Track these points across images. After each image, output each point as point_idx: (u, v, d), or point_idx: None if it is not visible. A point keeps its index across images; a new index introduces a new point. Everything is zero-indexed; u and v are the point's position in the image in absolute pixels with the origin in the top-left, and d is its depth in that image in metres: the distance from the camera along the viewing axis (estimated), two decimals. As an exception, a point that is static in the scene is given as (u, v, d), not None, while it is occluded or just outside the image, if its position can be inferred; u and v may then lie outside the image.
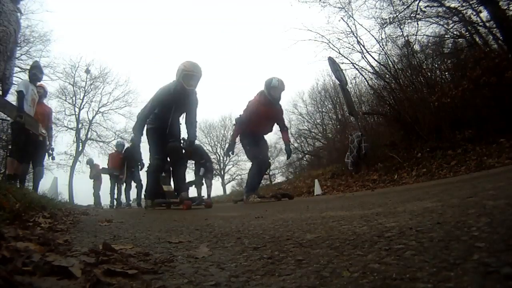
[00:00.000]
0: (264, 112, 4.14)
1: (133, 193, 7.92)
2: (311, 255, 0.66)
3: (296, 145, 15.39)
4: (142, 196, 7.03)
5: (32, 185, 4.40)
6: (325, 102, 14.35)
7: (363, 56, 6.84)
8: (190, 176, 7.45)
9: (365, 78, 7.30)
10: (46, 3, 19.29)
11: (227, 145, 4.66)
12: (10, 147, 4.41)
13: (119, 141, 9.57)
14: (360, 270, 0.50)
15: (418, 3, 6.21)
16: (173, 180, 3.78)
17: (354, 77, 7.96)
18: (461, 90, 4.77)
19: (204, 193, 7.28)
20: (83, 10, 39.28)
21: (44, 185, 5.23)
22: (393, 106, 6.31)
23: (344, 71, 6.41)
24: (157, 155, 3.72)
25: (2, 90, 2.62)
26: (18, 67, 10.99)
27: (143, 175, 7.72)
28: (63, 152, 16.24)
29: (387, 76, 6.63)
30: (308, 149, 15.13)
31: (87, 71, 16.88)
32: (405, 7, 6.38)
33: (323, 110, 14.60)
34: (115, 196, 7.98)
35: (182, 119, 3.78)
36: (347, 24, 6.89)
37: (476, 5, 5.55)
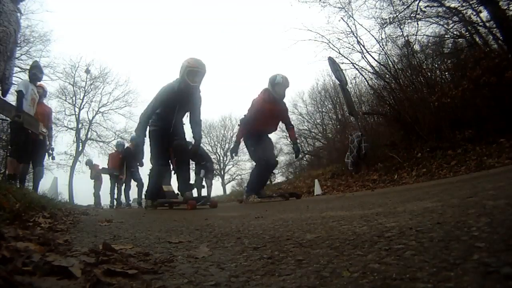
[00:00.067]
0: (269, 110, 4.10)
1: (133, 193, 7.93)
2: (311, 255, 0.66)
3: (296, 145, 15.37)
4: (143, 196, 7.03)
5: (32, 185, 4.40)
6: (325, 102, 14.36)
7: (363, 56, 6.85)
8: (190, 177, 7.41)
9: (365, 78, 7.30)
10: (46, 3, 19.38)
11: (231, 145, 4.63)
12: (10, 147, 4.40)
13: (119, 141, 9.58)
14: (360, 270, 0.50)
15: (418, 3, 6.21)
16: (177, 179, 3.69)
17: (354, 77, 7.96)
18: (461, 90, 4.77)
19: (204, 193, 7.27)
20: (83, 10, 39.34)
21: (44, 185, 5.24)
22: (393, 106, 6.31)
23: (344, 71, 6.41)
24: (160, 160, 3.65)
25: (1, 90, 2.62)
26: (18, 67, 11.02)
27: (143, 174, 7.73)
28: (63, 152, 16.30)
29: (387, 76, 6.63)
30: (308, 149, 15.12)
31: (87, 71, 16.91)
32: (405, 7, 6.38)
33: (323, 110, 14.61)
34: (115, 196, 7.98)
35: (186, 119, 3.73)
36: (347, 24, 6.89)
37: (476, 5, 5.55)
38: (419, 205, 1.22)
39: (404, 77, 6.45)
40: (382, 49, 6.82)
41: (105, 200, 9.10)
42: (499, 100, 4.47)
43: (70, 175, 15.97)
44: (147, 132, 3.58)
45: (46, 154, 4.43)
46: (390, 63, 6.68)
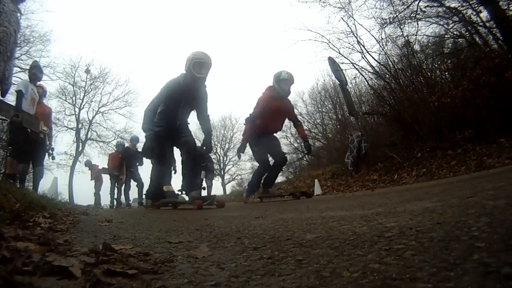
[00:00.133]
0: (275, 107, 4.05)
1: (133, 193, 7.94)
2: (311, 255, 0.66)
3: (296, 145, 15.40)
4: (143, 196, 7.03)
5: (32, 185, 4.40)
6: (325, 102, 14.34)
7: (363, 56, 6.85)
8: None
9: (365, 78, 7.31)
10: (46, 3, 19.35)
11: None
12: (9, 147, 4.40)
13: (119, 141, 9.59)
14: (360, 270, 0.50)
15: (418, 3, 6.21)
16: (183, 178, 3.54)
17: (354, 77, 7.97)
18: (461, 90, 4.77)
19: (204, 193, 7.26)
20: (83, 10, 39.35)
21: (44, 185, 5.24)
22: (393, 106, 6.31)
23: (344, 71, 6.42)
24: (162, 161, 3.56)
25: (1, 90, 2.62)
26: (18, 67, 11.02)
27: (142, 174, 7.72)
28: (63, 152, 16.32)
29: (387, 76, 6.63)
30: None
31: (87, 71, 16.93)
32: (405, 7, 6.39)
33: (323, 110, 14.59)
34: (115, 196, 7.99)
35: (190, 119, 3.64)
36: (347, 24, 6.90)
37: (476, 5, 5.55)
38: (419, 205, 1.22)
39: (404, 77, 6.45)
40: (382, 49, 6.83)
41: (105, 200, 9.12)
42: (499, 100, 4.48)
43: (70, 175, 16.01)
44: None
45: (46, 154, 4.43)
46: (390, 63, 6.69)
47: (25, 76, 6.83)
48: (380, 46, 6.80)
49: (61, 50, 32.64)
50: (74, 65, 16.64)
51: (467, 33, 5.97)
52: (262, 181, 4.20)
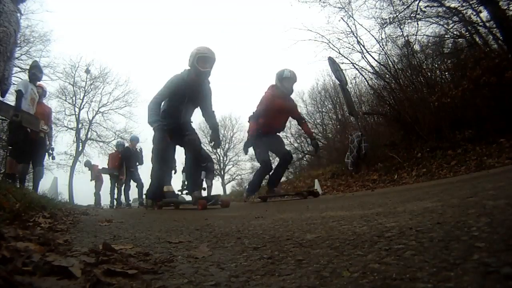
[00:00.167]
0: (279, 105, 4.02)
1: (133, 193, 7.94)
2: (311, 255, 0.66)
3: (296, 145, 15.39)
4: (143, 196, 7.02)
5: (32, 185, 4.40)
6: (325, 102, 14.35)
7: (363, 56, 6.85)
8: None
9: (365, 78, 7.31)
10: (46, 3, 19.32)
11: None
12: (9, 147, 4.41)
13: (119, 141, 9.59)
14: (360, 270, 0.50)
15: (418, 3, 6.21)
16: (187, 178, 3.47)
17: (354, 77, 7.96)
18: (461, 90, 4.77)
19: (204, 194, 7.25)
20: (83, 10, 39.36)
21: (44, 185, 5.24)
22: (393, 106, 6.31)
23: (344, 71, 6.42)
24: (163, 161, 3.50)
25: (0, 90, 2.62)
26: (18, 67, 11.03)
27: (142, 174, 7.72)
28: (63, 152, 16.32)
29: (387, 76, 6.63)
30: (308, 149, 15.12)
31: (87, 71, 16.93)
32: (405, 7, 6.38)
33: (323, 110, 14.59)
34: (115, 196, 7.99)
35: (193, 117, 3.58)
36: (347, 24, 6.89)
37: (476, 5, 5.55)
38: (419, 205, 1.22)
39: (404, 77, 6.45)
40: (382, 49, 6.83)
41: (105, 200, 9.11)
42: (499, 100, 4.47)
43: (70, 175, 16.00)
44: (152, 132, 3.37)
45: (46, 154, 4.43)
46: (390, 63, 6.69)
47: (25, 76, 6.84)
48: (380, 46, 6.81)
49: (61, 50, 32.66)
50: (74, 65, 16.67)
51: (467, 33, 5.97)
52: (267, 180, 4.18)
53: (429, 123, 5.33)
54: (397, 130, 6.40)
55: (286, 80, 4.00)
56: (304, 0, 7.31)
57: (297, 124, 4.91)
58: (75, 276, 0.53)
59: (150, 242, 1.00)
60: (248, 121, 4.28)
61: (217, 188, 21.99)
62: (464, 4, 5.78)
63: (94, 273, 0.53)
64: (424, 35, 6.75)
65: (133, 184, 7.62)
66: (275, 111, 4.00)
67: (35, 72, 4.04)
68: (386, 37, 6.78)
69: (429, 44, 6.82)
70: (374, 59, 6.88)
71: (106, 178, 9.02)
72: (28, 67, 5.08)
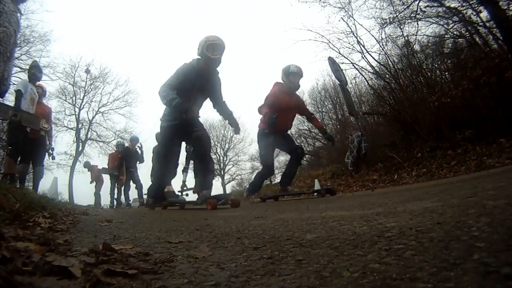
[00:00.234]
0: (287, 101, 3.92)
1: (133, 193, 7.94)
2: (311, 255, 0.66)
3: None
4: (143, 196, 7.02)
5: (32, 185, 4.40)
6: (325, 102, 14.34)
7: (363, 56, 6.86)
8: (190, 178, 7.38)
9: (365, 78, 7.31)
10: (46, 3, 19.30)
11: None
12: (8, 147, 4.41)
13: (119, 141, 9.59)
14: (360, 270, 0.50)
15: (418, 3, 6.22)
16: (195, 176, 3.31)
17: (354, 77, 7.97)
18: (461, 90, 4.77)
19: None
20: (83, 10, 39.37)
21: (44, 185, 5.22)
22: (393, 106, 6.32)
23: (344, 71, 6.42)
24: (169, 164, 3.41)
25: (0, 91, 2.62)
26: (18, 67, 11.04)
27: (142, 174, 7.72)
28: (63, 152, 16.34)
29: (387, 76, 6.64)
30: (308, 149, 15.12)
31: (87, 71, 16.94)
32: (405, 7, 6.39)
33: (323, 110, 14.58)
34: (115, 196, 7.99)
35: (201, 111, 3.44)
36: (347, 24, 6.90)
37: (476, 5, 5.55)
38: (419, 205, 1.22)
39: (404, 77, 6.45)
40: (382, 49, 6.83)
41: (105, 200, 9.11)
42: (499, 100, 4.47)
43: (70, 175, 16.01)
44: (155, 129, 3.31)
45: (46, 154, 4.43)
46: (390, 63, 6.69)
47: (25, 76, 6.82)
48: (380, 46, 6.81)
49: (61, 50, 32.65)
50: (74, 65, 16.68)
51: (467, 33, 5.97)
52: (280, 179, 4.11)
53: (429, 123, 5.33)
54: (397, 130, 6.41)
55: (292, 75, 3.92)
56: (304, 0, 7.32)
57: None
58: (75, 276, 0.53)
59: (150, 242, 1.00)
60: (259, 112, 4.12)
61: (217, 188, 22.02)
62: (464, 4, 5.79)
63: (94, 273, 0.53)
64: (424, 35, 6.77)
65: (133, 185, 7.63)
66: (282, 108, 3.86)
67: (34, 72, 4.05)
68: (386, 37, 6.80)
69: (429, 44, 6.83)
70: (374, 59, 6.89)
71: (106, 178, 9.02)
72: (28, 67, 5.09)
